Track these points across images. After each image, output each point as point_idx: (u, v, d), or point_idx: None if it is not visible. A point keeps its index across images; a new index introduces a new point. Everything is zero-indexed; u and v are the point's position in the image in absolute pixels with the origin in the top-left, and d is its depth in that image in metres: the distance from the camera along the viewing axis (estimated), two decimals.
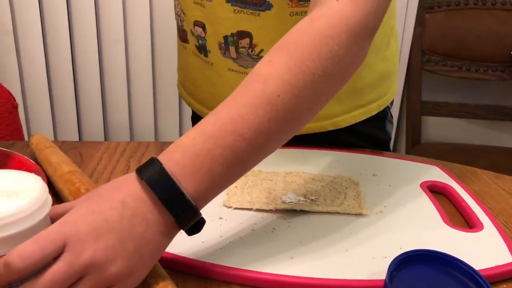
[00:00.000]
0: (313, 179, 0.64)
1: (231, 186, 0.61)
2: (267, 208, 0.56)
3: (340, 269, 0.47)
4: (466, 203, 0.60)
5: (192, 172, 0.40)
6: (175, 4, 0.77)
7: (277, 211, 0.56)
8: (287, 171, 0.65)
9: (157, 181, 0.39)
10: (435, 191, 0.64)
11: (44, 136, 0.70)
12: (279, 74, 0.43)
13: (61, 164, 0.60)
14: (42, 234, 0.36)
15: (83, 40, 1.57)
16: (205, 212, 0.51)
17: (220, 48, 0.69)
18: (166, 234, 0.40)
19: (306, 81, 0.43)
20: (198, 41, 0.72)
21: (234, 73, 0.69)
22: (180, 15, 0.75)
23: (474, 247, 0.52)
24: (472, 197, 0.62)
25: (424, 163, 0.71)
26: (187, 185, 0.40)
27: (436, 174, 0.68)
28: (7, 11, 1.48)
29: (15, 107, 0.91)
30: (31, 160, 0.62)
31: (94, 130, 1.66)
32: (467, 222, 0.58)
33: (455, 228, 0.55)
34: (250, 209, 0.56)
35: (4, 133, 0.89)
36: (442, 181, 0.66)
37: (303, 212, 0.56)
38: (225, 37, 0.67)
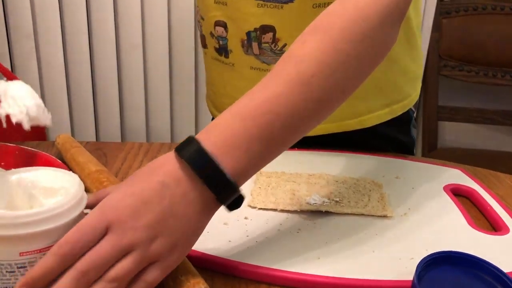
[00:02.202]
0: (336, 181, 0.64)
1: (255, 187, 0.62)
2: (292, 209, 0.56)
3: (367, 269, 0.47)
4: (491, 207, 0.60)
5: (230, 151, 0.41)
6: (195, 12, 0.78)
7: (302, 212, 0.56)
8: (310, 173, 0.66)
9: (197, 160, 0.40)
10: (459, 194, 0.64)
11: (70, 136, 0.71)
12: (314, 55, 0.44)
13: (88, 164, 0.61)
14: (85, 222, 0.37)
15: (102, 44, 1.59)
16: (230, 212, 0.52)
17: (243, 46, 0.69)
18: (206, 212, 0.41)
19: (339, 62, 0.44)
20: (218, 42, 0.72)
21: (256, 71, 0.70)
22: (199, 21, 0.76)
23: (501, 250, 0.52)
24: (497, 201, 0.61)
25: (446, 166, 0.71)
26: (225, 163, 0.40)
27: (459, 177, 0.68)
28: (28, 15, 1.51)
29: None
30: (58, 160, 0.63)
31: (111, 132, 1.68)
32: (492, 225, 0.58)
33: (480, 231, 0.55)
34: (275, 210, 0.57)
35: (28, 133, 0.91)
36: (465, 184, 0.65)
37: (327, 213, 0.56)
38: (248, 33, 0.68)
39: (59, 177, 0.42)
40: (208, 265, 0.47)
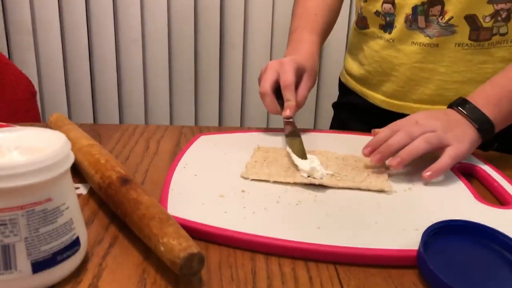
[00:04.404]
0: (336, 158, 0.62)
1: (251, 161, 0.60)
2: (285, 181, 0.54)
3: (369, 239, 0.45)
4: (498, 183, 0.58)
5: (484, 104, 0.61)
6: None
7: (302, 186, 0.54)
8: (309, 150, 0.63)
9: (463, 106, 0.62)
10: (465, 172, 0.62)
11: (63, 115, 0.69)
12: None
13: (80, 138, 0.59)
14: (397, 123, 0.62)
15: (101, 39, 1.58)
16: (226, 184, 0.50)
17: (406, 21, 0.74)
18: (477, 135, 0.60)
19: None
20: (385, 19, 0.77)
21: (416, 46, 0.74)
22: (360, 5, 0.82)
23: (509, 223, 0.49)
24: (504, 177, 0.59)
25: None
26: (485, 111, 0.61)
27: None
28: (27, 10, 1.50)
29: (34, 94, 0.91)
30: None
31: None
32: (499, 200, 0.56)
33: (487, 205, 0.53)
34: (267, 181, 0.55)
35: (23, 119, 0.89)
36: (471, 162, 0.63)
37: (328, 186, 0.54)
38: (414, 8, 0.72)
39: (45, 137, 0.40)
40: (202, 236, 0.45)
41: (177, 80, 1.65)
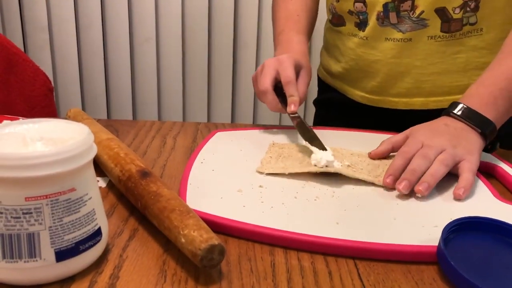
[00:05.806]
0: (351, 154, 0.62)
1: (266, 156, 0.60)
2: (300, 171, 0.54)
3: (388, 235, 0.45)
4: None
5: (482, 106, 0.60)
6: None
7: (319, 181, 0.54)
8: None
9: (460, 111, 0.60)
10: (483, 171, 0.62)
11: (81, 110, 0.70)
12: None
13: (99, 133, 0.59)
14: (405, 148, 0.58)
15: (116, 37, 1.59)
16: (244, 180, 0.51)
17: (378, 19, 0.74)
18: (482, 139, 0.59)
19: None
20: (359, 17, 0.77)
21: (390, 42, 0.75)
22: (332, 4, 0.83)
23: None
24: None
25: None
26: (481, 112, 0.59)
27: (484, 155, 0.65)
28: (42, 7, 1.52)
29: (51, 90, 0.92)
30: None
31: None
32: None
33: (506, 203, 0.52)
34: (285, 177, 0.55)
35: (40, 115, 0.90)
36: (490, 161, 0.63)
37: (346, 183, 0.54)
38: (385, 5, 0.73)
39: (69, 128, 0.40)
40: (221, 229, 0.45)
41: (190, 78, 1.66)
